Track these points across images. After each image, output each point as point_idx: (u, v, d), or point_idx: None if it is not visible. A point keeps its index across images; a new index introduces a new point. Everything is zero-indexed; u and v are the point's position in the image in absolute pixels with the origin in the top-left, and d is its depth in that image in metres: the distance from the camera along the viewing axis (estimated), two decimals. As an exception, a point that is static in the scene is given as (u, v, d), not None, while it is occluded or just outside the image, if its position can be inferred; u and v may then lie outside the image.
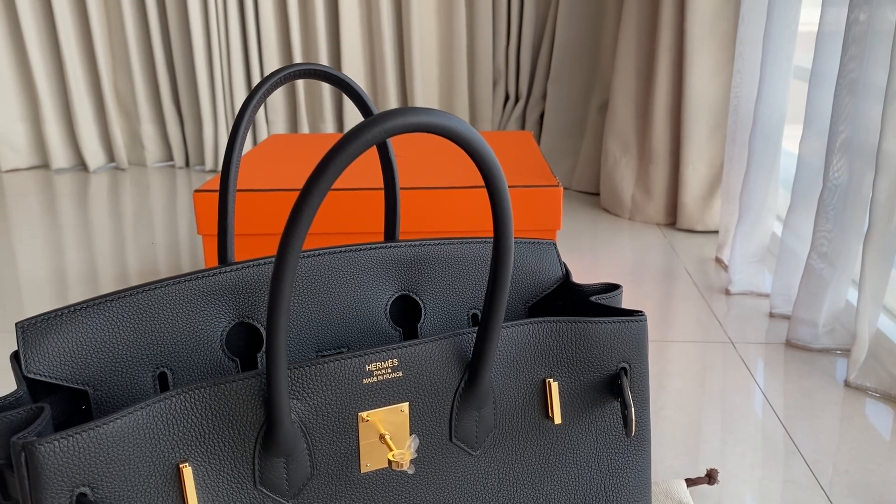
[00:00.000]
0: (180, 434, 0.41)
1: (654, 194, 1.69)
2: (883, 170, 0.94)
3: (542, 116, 2.18)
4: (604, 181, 1.80)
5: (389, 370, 0.44)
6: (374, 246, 0.55)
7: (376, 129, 0.36)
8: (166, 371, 0.49)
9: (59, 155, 2.34)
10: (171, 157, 2.40)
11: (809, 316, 1.10)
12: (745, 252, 1.32)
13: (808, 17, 1.35)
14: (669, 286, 1.34)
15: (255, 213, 1.03)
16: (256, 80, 2.21)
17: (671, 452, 0.85)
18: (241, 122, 0.52)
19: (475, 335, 0.47)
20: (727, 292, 1.30)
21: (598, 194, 1.95)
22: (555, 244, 0.60)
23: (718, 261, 1.45)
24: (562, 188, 0.99)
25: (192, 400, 0.41)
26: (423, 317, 0.56)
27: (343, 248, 0.55)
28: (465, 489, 0.48)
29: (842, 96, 1.03)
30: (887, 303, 1.16)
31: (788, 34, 1.22)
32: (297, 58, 2.19)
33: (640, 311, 0.50)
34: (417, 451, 0.45)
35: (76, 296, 1.33)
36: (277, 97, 2.23)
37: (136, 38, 2.26)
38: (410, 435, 0.45)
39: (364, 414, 0.44)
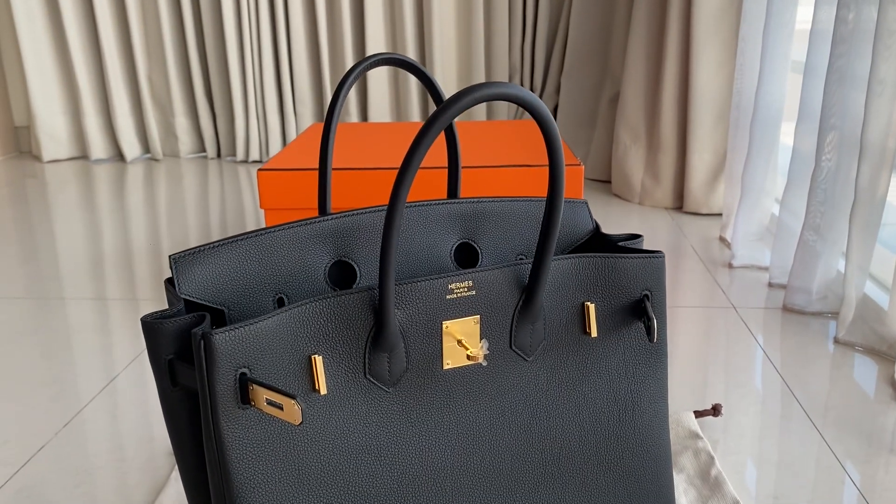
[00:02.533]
0: (312, 332, 0.54)
1: (662, 180, 1.82)
2: (867, 152, 1.07)
3: (555, 109, 2.30)
4: (615, 168, 1.93)
5: (466, 289, 0.57)
6: (440, 202, 0.68)
7: (470, 97, 0.49)
8: (283, 297, 0.62)
9: (98, 146, 2.47)
10: (203, 149, 2.53)
11: (804, 284, 1.22)
12: (746, 230, 1.45)
13: (805, 16, 1.47)
14: (677, 262, 1.47)
15: (313, 191, 1.16)
16: (286, 75, 2.34)
17: (681, 392, 0.98)
18: (339, 93, 0.65)
19: (531, 266, 0.59)
20: (730, 266, 1.43)
21: (609, 181, 2.08)
22: (587, 203, 0.73)
23: (722, 239, 1.58)
24: (583, 167, 1.12)
25: (321, 307, 0.54)
26: (480, 260, 0.68)
27: (416, 203, 0.68)
28: (521, 388, 0.61)
29: (832, 87, 1.15)
30: (873, 271, 1.29)
31: (786, 31, 1.35)
32: (325, 54, 2.32)
33: (660, 251, 0.63)
34: (488, 350, 0.58)
35: (114, 277, 1.46)
36: (305, 91, 2.36)
37: (172, 34, 2.39)
38: (481, 339, 0.58)
39: (447, 323, 0.57)
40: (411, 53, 2.30)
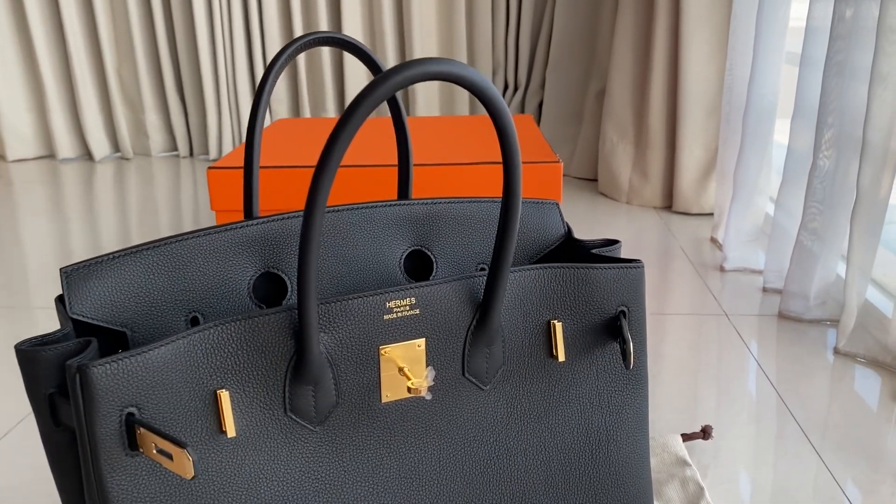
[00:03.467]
0: (218, 363, 0.44)
1: (650, 178, 1.73)
2: (868, 148, 0.98)
3: (540, 105, 2.21)
4: (601, 166, 1.84)
5: (408, 307, 0.48)
6: (389, 203, 0.59)
7: (401, 76, 0.40)
8: (198, 315, 0.53)
9: (65, 145, 2.37)
10: (175, 147, 2.44)
11: (801, 289, 1.14)
12: (738, 231, 1.36)
13: (798, 13, 1.39)
14: (666, 265, 1.38)
15: (269, 190, 1.07)
16: (259, 71, 2.25)
17: (669, 412, 0.89)
18: (265, 83, 0.56)
19: (486, 279, 0.50)
20: (722, 269, 1.34)
21: (595, 180, 1.99)
22: (557, 204, 0.64)
23: (713, 240, 1.49)
24: (562, 164, 1.03)
25: (229, 331, 0.45)
26: (434, 270, 0.59)
27: (360, 205, 0.59)
28: (476, 422, 0.52)
29: (830, 79, 1.07)
30: (874, 275, 1.20)
31: (781, 19, 1.26)
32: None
33: (638, 260, 0.54)
34: (434, 380, 0.49)
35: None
36: (280, 86, 2.27)
37: (141, 28, 2.29)
38: (427, 367, 0.49)
39: (384, 348, 0.48)
40: (390, 49, 2.21)
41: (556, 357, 0.52)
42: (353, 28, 2.22)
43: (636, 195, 1.76)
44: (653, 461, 0.78)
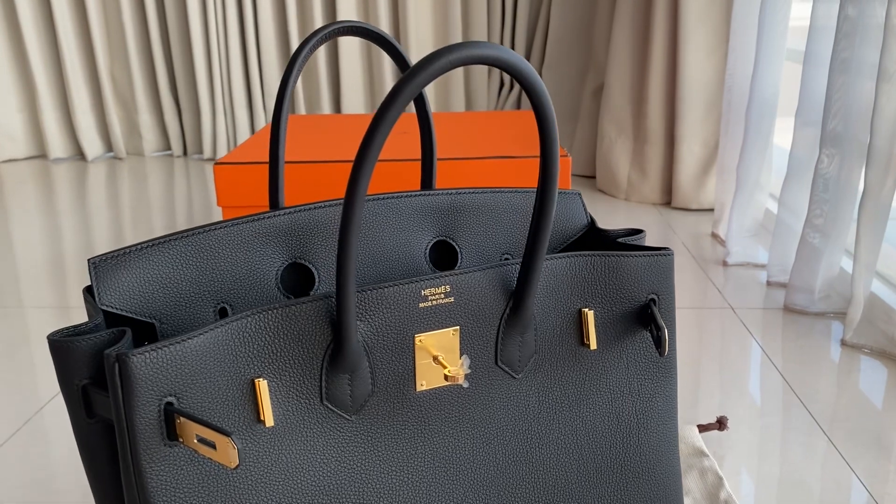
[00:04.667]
0: (255, 351, 0.44)
1: (649, 174, 1.74)
2: (874, 145, 0.99)
3: (536, 103, 2.21)
4: (599, 163, 1.85)
5: (442, 295, 0.48)
6: (413, 194, 0.59)
7: (443, 60, 0.39)
8: (226, 306, 0.52)
9: (57, 145, 2.35)
10: (168, 147, 2.42)
11: (805, 283, 1.14)
12: (740, 225, 1.37)
13: (800, 13, 1.40)
14: (668, 259, 1.38)
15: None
16: (254, 69, 2.24)
17: (681, 405, 0.89)
18: (290, 74, 0.56)
19: (519, 266, 0.50)
20: (725, 264, 1.35)
21: (594, 177, 2.00)
22: (580, 194, 0.64)
23: (715, 236, 1.50)
24: (570, 158, 1.03)
25: (266, 320, 0.44)
26: (459, 261, 0.59)
27: (385, 196, 0.58)
28: (508, 411, 0.51)
29: (835, 75, 1.07)
30: (879, 268, 1.21)
31: (782, 12, 1.27)
32: (295, 45, 2.22)
33: (668, 248, 0.54)
34: (469, 368, 0.49)
35: (75, 281, 1.36)
36: (274, 84, 2.26)
37: (134, 27, 2.27)
38: (461, 355, 0.49)
39: (420, 336, 0.48)
40: (386, 45, 2.20)
41: (588, 345, 0.52)
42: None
43: (635, 192, 1.77)
44: (670, 452, 0.79)
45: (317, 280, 0.54)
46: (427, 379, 0.48)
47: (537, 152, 1.09)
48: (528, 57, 2.20)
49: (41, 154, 2.43)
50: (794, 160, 1.22)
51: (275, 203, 0.58)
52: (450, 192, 0.59)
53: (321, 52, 2.23)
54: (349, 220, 0.42)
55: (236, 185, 1.04)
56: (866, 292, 1.04)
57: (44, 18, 2.28)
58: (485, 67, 2.23)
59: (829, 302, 1.14)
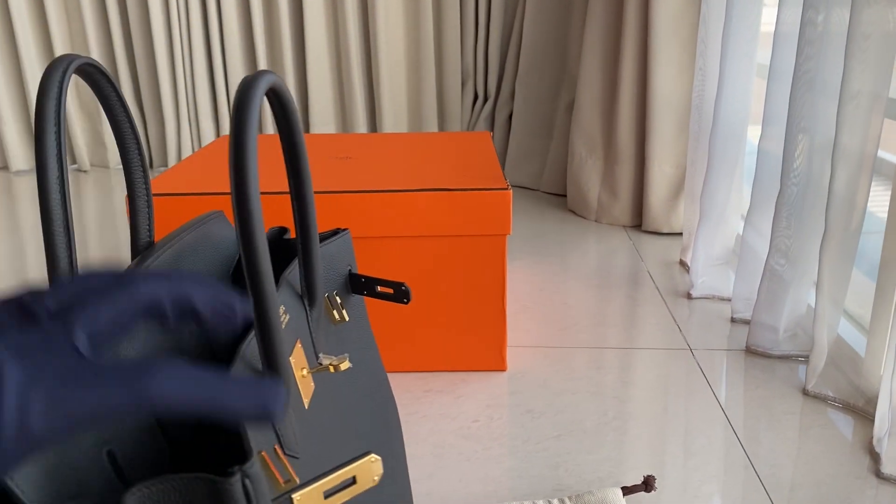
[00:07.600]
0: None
1: (619, 195, 1.66)
2: (840, 165, 0.91)
3: (511, 116, 2.14)
4: (570, 182, 1.77)
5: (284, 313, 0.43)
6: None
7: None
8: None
9: (18, 156, 2.28)
10: (133, 159, 2.34)
11: (770, 320, 1.07)
12: (708, 255, 1.29)
13: (768, 17, 1.32)
14: (632, 291, 1.31)
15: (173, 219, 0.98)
16: (220, 81, 2.17)
17: (613, 461, 0.82)
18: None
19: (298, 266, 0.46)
20: (689, 296, 1.27)
21: (565, 196, 1.92)
22: (223, 213, 0.54)
23: (682, 263, 1.42)
24: (511, 191, 0.95)
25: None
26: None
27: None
28: (338, 383, 0.50)
29: (799, 92, 1.00)
30: (848, 307, 1.13)
31: (749, 33, 1.19)
32: (262, 57, 2.15)
33: (345, 228, 0.56)
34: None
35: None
36: (205, 103, 2.18)
37: (97, 38, 2.20)
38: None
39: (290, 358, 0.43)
40: (355, 58, 2.13)
41: (343, 319, 0.53)
42: (317, 40, 2.14)
43: (605, 213, 1.69)
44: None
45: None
46: (307, 392, 0.44)
47: (472, 184, 1.01)
48: (502, 70, 2.12)
49: (2, 166, 2.36)
50: (760, 180, 1.14)
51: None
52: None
53: (288, 67, 2.15)
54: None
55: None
56: (832, 334, 0.96)
57: (4, 29, 2.21)
58: (458, 78, 2.15)
59: (795, 342, 1.07)
